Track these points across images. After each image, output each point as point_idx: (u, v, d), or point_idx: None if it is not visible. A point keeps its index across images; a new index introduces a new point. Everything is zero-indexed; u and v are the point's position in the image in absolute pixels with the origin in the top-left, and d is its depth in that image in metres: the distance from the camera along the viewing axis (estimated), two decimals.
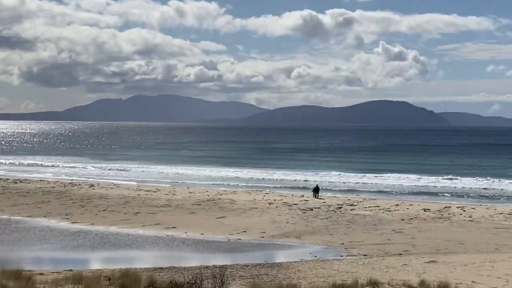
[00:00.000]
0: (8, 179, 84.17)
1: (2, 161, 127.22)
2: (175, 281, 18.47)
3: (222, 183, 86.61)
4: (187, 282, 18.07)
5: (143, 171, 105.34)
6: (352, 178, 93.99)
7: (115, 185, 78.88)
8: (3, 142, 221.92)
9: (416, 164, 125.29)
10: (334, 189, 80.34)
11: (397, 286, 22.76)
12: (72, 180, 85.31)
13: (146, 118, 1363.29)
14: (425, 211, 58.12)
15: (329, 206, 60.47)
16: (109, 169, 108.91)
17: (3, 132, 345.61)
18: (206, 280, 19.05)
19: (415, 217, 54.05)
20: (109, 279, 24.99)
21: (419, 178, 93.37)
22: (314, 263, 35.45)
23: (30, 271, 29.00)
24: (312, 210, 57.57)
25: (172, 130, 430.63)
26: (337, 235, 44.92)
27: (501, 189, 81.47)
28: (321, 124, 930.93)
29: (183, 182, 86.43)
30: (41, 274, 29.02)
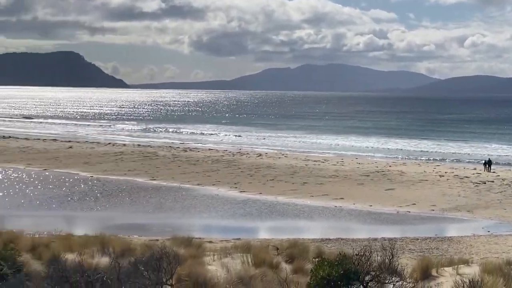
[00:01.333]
0: (178, 147, 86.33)
1: (171, 129, 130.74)
2: (344, 253, 18.00)
3: (390, 155, 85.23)
4: (356, 254, 17.56)
5: (309, 141, 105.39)
6: None
7: (282, 154, 79.27)
8: (172, 111, 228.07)
9: None
10: (508, 162, 77.39)
11: None
12: (240, 149, 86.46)
13: (314, 88, 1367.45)
14: None
15: (503, 179, 58.23)
16: (276, 138, 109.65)
17: (171, 101, 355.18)
18: (375, 253, 18.50)
19: None
20: (277, 248, 24.91)
21: None
22: (487, 238, 34.27)
23: (199, 238, 29.48)
24: (485, 183, 55.60)
25: (340, 100, 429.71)
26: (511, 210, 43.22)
27: None
28: (495, 94, 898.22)
29: (350, 153, 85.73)
30: (210, 242, 29.44)
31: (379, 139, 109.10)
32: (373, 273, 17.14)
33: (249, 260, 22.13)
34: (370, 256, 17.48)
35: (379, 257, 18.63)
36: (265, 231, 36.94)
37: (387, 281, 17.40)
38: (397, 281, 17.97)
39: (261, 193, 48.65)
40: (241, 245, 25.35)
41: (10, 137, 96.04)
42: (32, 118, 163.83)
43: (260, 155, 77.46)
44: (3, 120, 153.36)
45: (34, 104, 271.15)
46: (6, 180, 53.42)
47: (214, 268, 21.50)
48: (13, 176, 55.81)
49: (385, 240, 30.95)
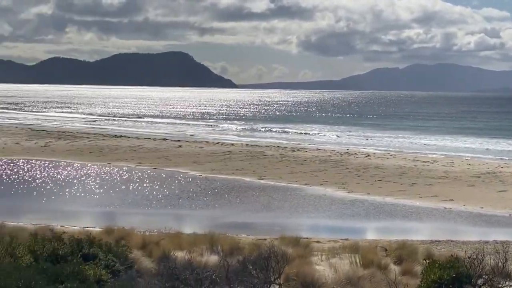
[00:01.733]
0: (285, 147, 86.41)
1: (278, 129, 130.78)
2: (456, 255, 17.66)
3: (502, 156, 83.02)
4: (468, 257, 17.20)
5: (417, 142, 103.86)
6: None
7: (391, 155, 78.38)
8: (279, 111, 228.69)
9: None
10: None
11: None
12: (348, 149, 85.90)
13: (423, 88, 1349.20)
14: None
15: None
16: (383, 139, 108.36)
17: (278, 101, 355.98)
18: (488, 256, 18.08)
19: None
20: (386, 249, 24.71)
21: None
22: None
23: (307, 238, 29.46)
24: None
25: (450, 100, 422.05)
26: None
27: None
28: None
29: (460, 154, 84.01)
30: (317, 242, 29.36)
31: (489, 140, 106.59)
32: (486, 276, 16.76)
33: (357, 261, 22.02)
34: (483, 259, 17.09)
35: (491, 261, 18.20)
36: (373, 232, 36.63)
37: (500, 285, 16.99)
38: (511, 286, 17.54)
39: (369, 194, 48.24)
40: (349, 245, 25.27)
41: (121, 136, 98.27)
42: (142, 118, 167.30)
43: (368, 155, 76.78)
44: (113, 119, 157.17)
45: (144, 104, 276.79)
46: (118, 178, 54.70)
47: (322, 268, 21.47)
48: (124, 174, 57.07)
49: (497, 243, 30.15)
